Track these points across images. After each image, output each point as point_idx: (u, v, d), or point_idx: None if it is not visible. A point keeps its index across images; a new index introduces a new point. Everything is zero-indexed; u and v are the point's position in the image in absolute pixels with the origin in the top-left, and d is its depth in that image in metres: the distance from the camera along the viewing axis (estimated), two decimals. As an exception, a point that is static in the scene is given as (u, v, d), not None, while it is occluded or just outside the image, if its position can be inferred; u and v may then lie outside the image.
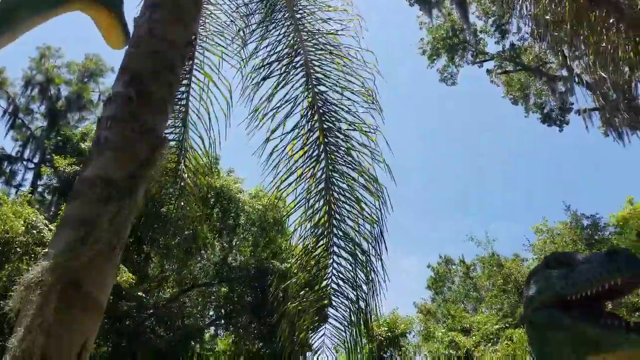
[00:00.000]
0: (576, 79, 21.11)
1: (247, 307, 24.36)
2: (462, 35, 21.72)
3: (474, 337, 17.08)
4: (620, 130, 22.50)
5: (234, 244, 23.14)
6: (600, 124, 23.97)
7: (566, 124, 24.87)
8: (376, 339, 20.87)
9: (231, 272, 24.01)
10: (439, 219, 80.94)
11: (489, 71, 22.60)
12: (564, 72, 21.19)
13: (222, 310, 26.31)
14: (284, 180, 7.32)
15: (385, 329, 20.61)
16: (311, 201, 7.24)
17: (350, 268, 7.11)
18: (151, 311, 23.03)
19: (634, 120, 18.31)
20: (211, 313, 27.73)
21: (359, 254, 6.96)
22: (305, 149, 7.34)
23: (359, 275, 6.99)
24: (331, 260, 7.12)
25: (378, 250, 6.98)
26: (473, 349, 16.26)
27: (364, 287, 6.89)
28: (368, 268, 6.94)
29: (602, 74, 19.68)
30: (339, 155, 7.25)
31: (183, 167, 7.89)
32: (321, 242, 7.25)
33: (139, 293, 19.61)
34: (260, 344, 25.86)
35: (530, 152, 78.29)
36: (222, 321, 27.17)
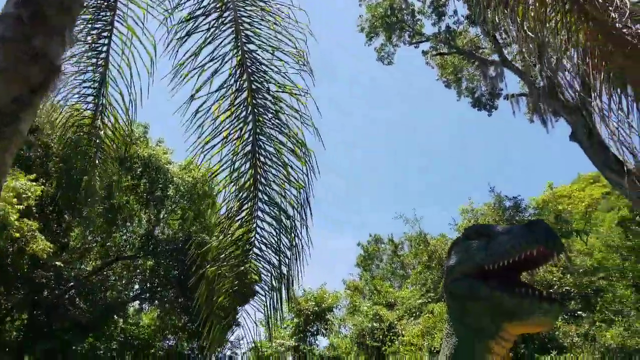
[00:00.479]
0: (506, 66, 21.70)
1: (174, 281, 23.78)
2: (400, 14, 21.77)
3: (397, 311, 17.41)
4: (545, 117, 23.50)
5: (161, 216, 22.45)
6: (527, 109, 24.92)
7: (495, 109, 25.57)
8: (303, 314, 20.88)
9: (158, 245, 23.29)
10: (373, 202, 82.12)
11: (424, 52, 22.88)
12: (496, 58, 21.74)
13: (148, 284, 25.59)
14: (208, 142, 7.01)
15: (313, 303, 20.65)
16: (237, 164, 6.98)
17: (275, 233, 6.92)
18: (72, 284, 22.06)
19: (559, 106, 19.06)
20: (136, 287, 26.95)
21: (283, 219, 6.78)
22: (232, 109, 7.04)
23: (283, 241, 6.82)
24: (255, 224, 6.91)
25: (303, 216, 6.83)
26: (396, 322, 16.58)
27: (287, 252, 6.74)
28: (293, 234, 6.78)
29: (531, 61, 20.28)
30: (267, 117, 7.01)
31: (100, 123, 7.41)
32: (245, 206, 7.02)
33: (57, 263, 18.67)
34: (186, 317, 25.41)
35: (463, 135, 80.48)
36: (147, 295, 26.47)
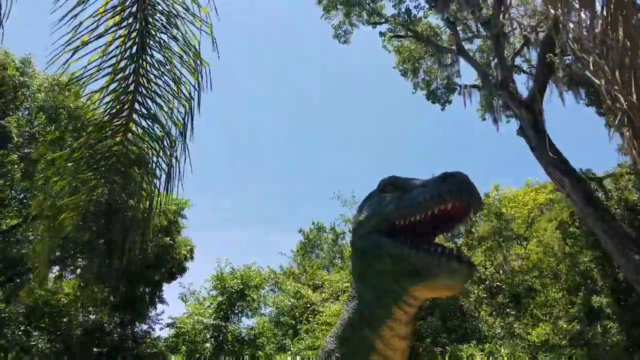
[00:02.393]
0: (462, 56, 21.16)
1: (99, 248, 22.34)
2: (361, -9, 21.00)
3: (324, 294, 16.57)
4: (497, 116, 23.13)
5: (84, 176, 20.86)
6: (479, 106, 24.52)
7: (449, 103, 25.09)
8: (227, 291, 19.89)
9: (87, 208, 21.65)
10: (319, 196, 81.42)
11: (381, 34, 22.15)
12: (454, 47, 21.20)
13: (71, 249, 23.98)
14: (85, 44, 5.90)
15: (239, 281, 19.66)
16: (119, 65, 5.93)
17: (153, 153, 5.93)
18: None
19: (509, 99, 18.60)
20: (58, 253, 25.24)
21: (159, 133, 5.78)
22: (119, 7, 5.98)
23: (161, 161, 5.86)
24: (125, 138, 5.88)
25: (185, 136, 5.84)
26: (319, 303, 15.74)
27: (164, 171, 5.79)
28: (173, 153, 5.81)
29: (490, 56, 19.68)
30: (157, 19, 5.98)
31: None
32: (120, 120, 5.96)
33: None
34: (107, 289, 23.96)
35: (412, 128, 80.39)
36: (69, 261, 24.88)
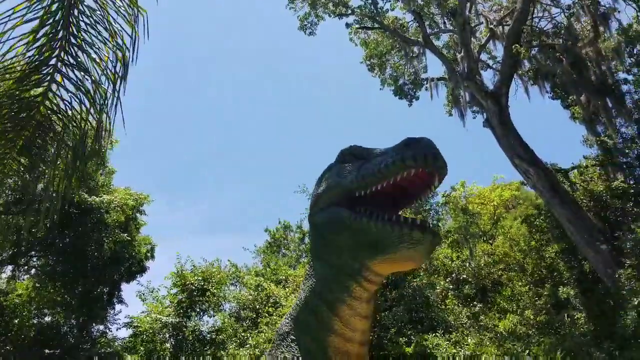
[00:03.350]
0: (429, 48, 20.92)
1: (54, 246, 21.28)
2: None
3: (287, 289, 15.99)
4: (464, 110, 22.96)
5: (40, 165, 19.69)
6: (446, 101, 24.34)
7: (416, 99, 24.85)
8: (188, 289, 19.14)
9: (34, 201, 20.65)
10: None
11: (347, 25, 21.77)
12: (420, 39, 20.95)
13: (22, 248, 22.81)
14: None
15: (200, 278, 18.95)
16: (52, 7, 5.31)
17: (81, 109, 5.35)
18: None
19: (476, 90, 18.42)
20: (9, 252, 23.99)
21: (90, 87, 5.20)
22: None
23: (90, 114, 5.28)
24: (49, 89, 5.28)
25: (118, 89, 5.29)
26: (282, 297, 15.15)
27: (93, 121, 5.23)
28: (102, 109, 5.24)
29: (456, 48, 19.49)
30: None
31: None
32: (46, 69, 5.36)
33: None
34: (63, 290, 22.85)
35: (385, 123, 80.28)
36: (22, 260, 23.70)
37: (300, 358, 4.84)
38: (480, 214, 25.70)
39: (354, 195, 4.26)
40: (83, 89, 5.27)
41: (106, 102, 5.24)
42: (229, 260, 18.46)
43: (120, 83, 5.21)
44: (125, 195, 21.03)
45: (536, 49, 17.80)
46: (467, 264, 16.71)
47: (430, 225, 4.08)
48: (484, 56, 23.22)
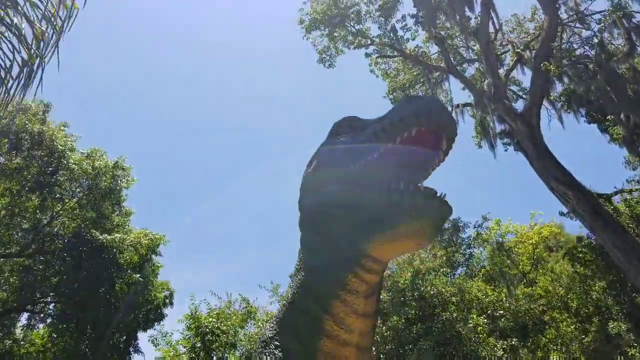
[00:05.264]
0: (452, 73, 20.07)
1: (67, 290, 20.46)
2: (345, 12, 20.15)
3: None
4: (493, 141, 21.76)
5: (49, 206, 19.14)
6: (475, 132, 23.19)
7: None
8: (201, 332, 18.22)
9: (50, 243, 20.03)
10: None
11: (367, 55, 21.13)
12: (443, 64, 20.13)
13: (37, 294, 22.06)
14: None
15: (214, 320, 18.00)
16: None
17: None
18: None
19: (504, 112, 17.28)
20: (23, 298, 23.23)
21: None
22: None
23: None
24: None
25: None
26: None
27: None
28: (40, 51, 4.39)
29: (481, 69, 18.59)
30: None
31: None
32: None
33: None
34: (78, 339, 21.85)
35: None
36: (37, 307, 22.90)
37: None
38: (519, 254, 24.04)
39: (349, 170, 3.62)
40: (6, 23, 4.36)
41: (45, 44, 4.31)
42: (239, 295, 17.25)
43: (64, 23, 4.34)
44: (139, 235, 20.28)
45: (567, 67, 16.74)
46: (504, 299, 15.14)
47: (439, 193, 3.20)
48: (513, 88, 22.32)
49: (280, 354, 4.15)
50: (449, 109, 21.77)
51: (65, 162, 18.97)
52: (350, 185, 3.55)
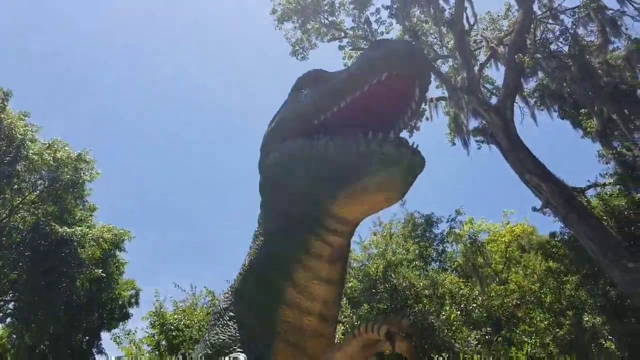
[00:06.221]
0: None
1: (29, 288, 19.50)
2: (317, 3, 19.77)
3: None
4: (467, 138, 21.59)
5: (6, 196, 18.25)
6: (448, 130, 23.02)
7: (417, 129, 23.56)
8: (166, 329, 17.51)
9: (9, 237, 19.01)
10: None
11: (341, 47, 20.79)
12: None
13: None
14: None
15: (179, 317, 17.41)
16: None
17: None
18: None
19: (478, 104, 17.07)
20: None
21: None
22: None
23: None
24: None
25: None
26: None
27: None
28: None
29: (455, 65, 18.44)
30: None
31: None
32: None
33: None
34: (38, 339, 20.87)
35: None
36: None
37: (239, 339, 3.62)
38: (491, 252, 23.91)
39: (312, 123, 3.34)
40: None
41: None
42: (205, 287, 16.63)
43: None
44: (103, 229, 19.49)
45: (541, 59, 16.61)
46: (476, 293, 14.86)
47: (410, 143, 2.93)
48: (486, 86, 22.24)
49: (235, 325, 3.75)
50: (424, 110, 21.63)
51: (24, 152, 18.16)
52: (313, 139, 3.26)
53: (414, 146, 2.94)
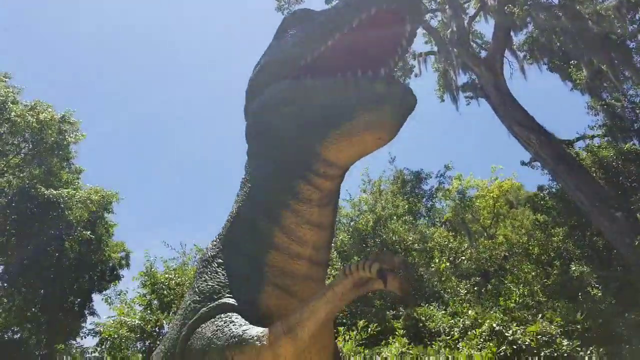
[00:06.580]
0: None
1: (18, 251, 19.36)
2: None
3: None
4: (456, 94, 21.43)
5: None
6: (437, 86, 22.81)
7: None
8: (158, 288, 17.56)
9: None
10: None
11: (328, 0, 20.27)
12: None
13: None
14: None
15: (170, 277, 17.43)
16: None
17: None
18: None
19: (467, 57, 16.86)
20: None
21: None
22: None
23: None
24: None
25: None
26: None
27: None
28: None
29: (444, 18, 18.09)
30: None
31: None
32: None
33: None
34: (30, 302, 20.90)
35: None
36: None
37: (228, 285, 3.51)
38: (480, 208, 24.06)
39: (299, 64, 3.17)
40: None
41: None
42: (195, 245, 16.63)
43: None
44: (90, 191, 19.31)
45: (531, 10, 16.31)
46: (465, 246, 14.98)
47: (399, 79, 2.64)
48: (476, 41, 21.93)
49: (223, 272, 3.66)
50: (413, 67, 21.32)
51: (6, 114, 17.79)
52: (300, 79, 3.12)
53: (406, 84, 2.85)
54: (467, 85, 20.49)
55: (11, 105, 18.20)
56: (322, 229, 3.55)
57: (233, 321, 3.45)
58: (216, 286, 3.75)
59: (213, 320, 3.52)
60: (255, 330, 3.27)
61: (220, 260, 3.89)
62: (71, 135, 19.73)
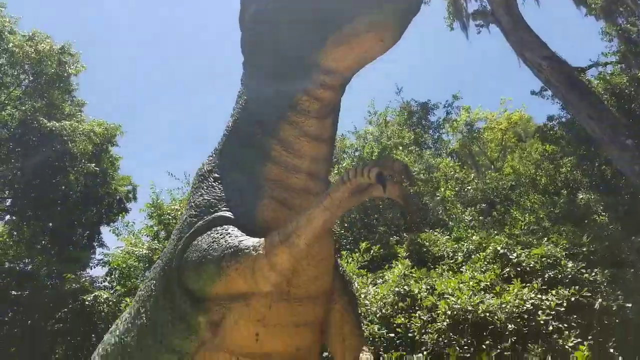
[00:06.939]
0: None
1: (22, 182, 19.39)
2: None
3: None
4: (466, 22, 20.70)
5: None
6: (447, 14, 22.04)
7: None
8: (165, 219, 17.63)
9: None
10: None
11: None
12: None
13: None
14: None
15: (177, 207, 17.46)
16: None
17: None
18: None
19: None
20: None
21: None
22: None
23: None
24: None
25: None
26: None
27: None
28: None
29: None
30: None
31: None
32: None
33: None
34: (46, 237, 21.16)
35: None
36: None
37: (224, 198, 3.53)
38: (488, 140, 23.78)
39: None
40: None
41: None
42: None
43: None
44: (93, 124, 19.14)
45: None
46: (472, 176, 14.85)
47: None
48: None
49: (219, 185, 3.63)
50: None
51: (4, 45, 17.40)
52: None
53: None
54: (477, 13, 19.77)
55: (8, 36, 17.78)
56: (320, 142, 3.47)
57: (229, 233, 3.38)
58: (212, 200, 3.67)
59: (209, 232, 3.46)
60: (252, 241, 3.19)
61: (217, 175, 3.82)
62: (71, 66, 19.36)
